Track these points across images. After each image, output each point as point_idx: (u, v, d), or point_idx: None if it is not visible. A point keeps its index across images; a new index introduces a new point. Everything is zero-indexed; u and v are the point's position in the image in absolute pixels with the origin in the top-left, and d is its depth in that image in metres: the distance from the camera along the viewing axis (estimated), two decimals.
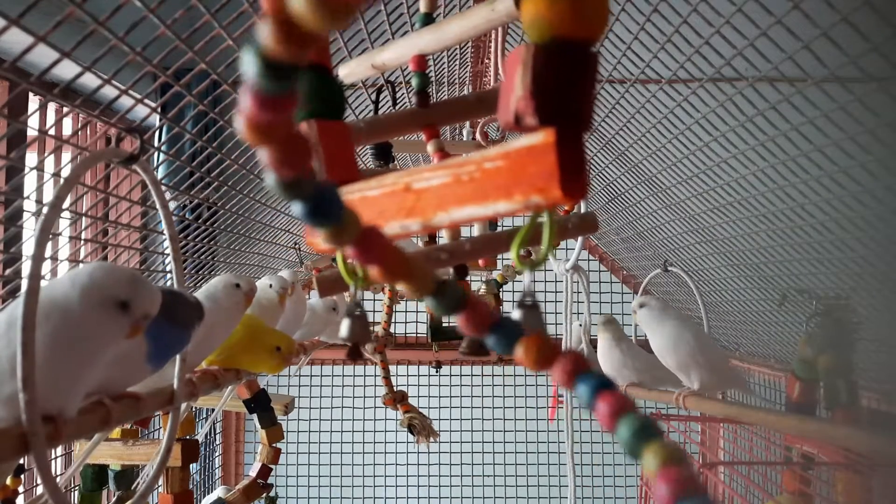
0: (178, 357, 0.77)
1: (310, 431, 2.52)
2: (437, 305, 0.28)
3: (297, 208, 0.25)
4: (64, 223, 1.04)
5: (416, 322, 2.40)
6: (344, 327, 0.34)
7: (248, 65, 0.22)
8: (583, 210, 0.89)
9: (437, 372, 2.29)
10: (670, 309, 1.30)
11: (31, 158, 1.01)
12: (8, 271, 0.97)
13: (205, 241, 1.38)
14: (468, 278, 0.58)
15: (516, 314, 0.31)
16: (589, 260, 2.53)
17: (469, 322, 0.28)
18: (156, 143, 1.21)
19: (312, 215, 0.25)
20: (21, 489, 1.05)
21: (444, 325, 1.79)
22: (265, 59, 0.21)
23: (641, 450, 0.24)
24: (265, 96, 0.22)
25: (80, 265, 1.17)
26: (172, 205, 1.28)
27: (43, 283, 0.54)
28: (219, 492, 1.65)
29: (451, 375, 2.52)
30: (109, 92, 0.85)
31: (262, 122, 0.23)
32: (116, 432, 1.15)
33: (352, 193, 0.34)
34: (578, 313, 1.65)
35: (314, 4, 0.20)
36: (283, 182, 0.24)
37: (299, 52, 0.21)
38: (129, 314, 0.61)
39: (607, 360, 1.49)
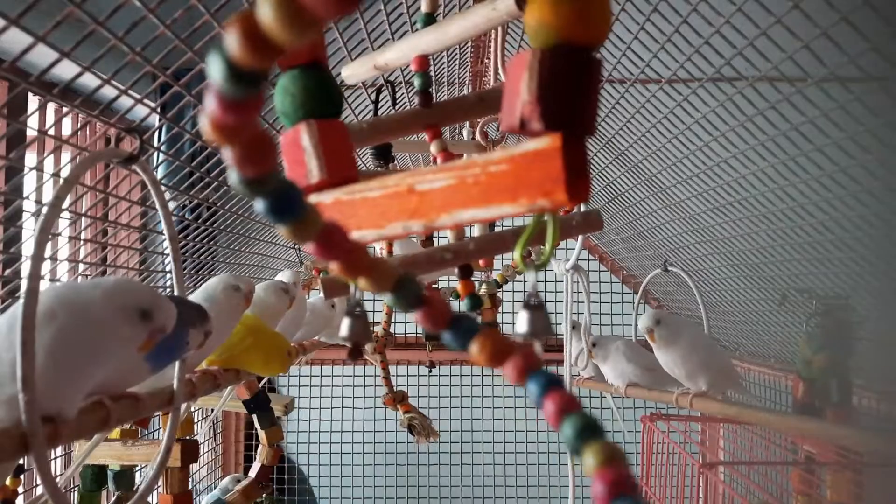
0: None
1: (310, 431, 2.52)
2: (397, 301, 0.29)
3: (259, 205, 0.26)
4: (63, 223, 1.04)
5: (416, 322, 2.40)
6: (344, 327, 0.34)
7: (214, 69, 0.22)
8: (583, 210, 0.89)
9: (429, 372, 2.29)
10: (680, 322, 1.30)
11: (30, 158, 1.00)
12: (7, 271, 0.97)
13: (204, 241, 1.38)
14: (471, 278, 0.58)
15: (522, 315, 0.31)
16: (589, 260, 2.53)
17: (427, 318, 0.29)
18: (155, 143, 1.21)
19: (274, 212, 0.26)
20: (21, 489, 1.05)
21: None
22: (230, 65, 0.22)
23: (582, 449, 0.25)
24: (229, 100, 0.22)
25: (81, 266, 1.17)
26: (172, 205, 1.27)
27: (43, 283, 0.54)
28: (225, 483, 1.65)
29: (450, 375, 2.52)
30: (109, 92, 0.85)
31: (226, 124, 0.23)
32: (116, 432, 1.15)
33: (353, 194, 0.34)
34: (579, 313, 1.64)
35: (282, 17, 0.20)
36: (245, 180, 0.25)
37: (265, 61, 0.22)
38: (149, 324, 0.62)
39: (609, 363, 1.49)
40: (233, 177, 0.25)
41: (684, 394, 1.27)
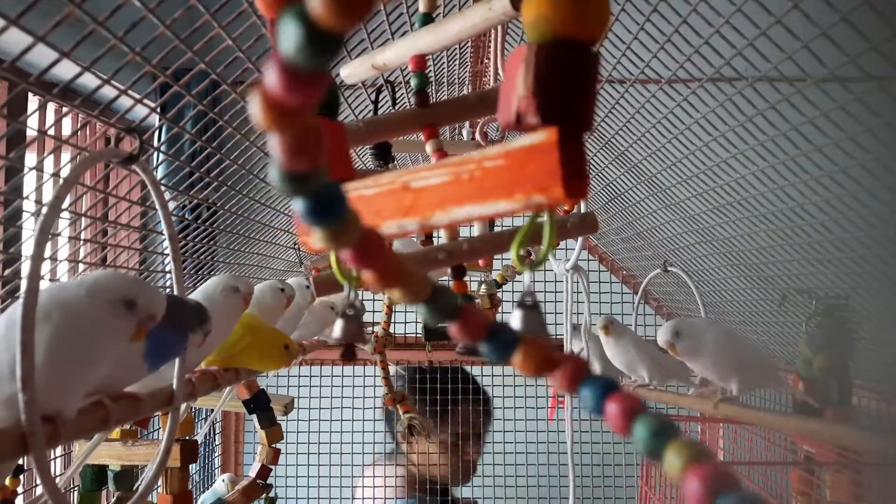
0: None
1: (309, 432, 2.52)
2: (431, 313, 0.27)
3: (298, 205, 0.24)
4: (63, 223, 1.04)
5: (416, 322, 2.40)
6: (337, 328, 0.34)
7: (290, 32, 0.19)
8: (582, 210, 0.89)
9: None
10: (701, 327, 1.24)
11: (30, 158, 1.00)
12: (7, 271, 0.97)
13: (204, 241, 1.38)
14: (467, 278, 0.58)
15: (516, 314, 0.30)
16: (589, 260, 2.52)
17: (464, 330, 0.27)
18: (155, 143, 1.21)
19: (315, 214, 0.24)
20: (20, 489, 1.05)
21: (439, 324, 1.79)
22: (312, 25, 0.19)
23: (663, 450, 0.23)
24: (301, 72, 0.20)
25: (80, 266, 1.17)
26: (172, 205, 1.27)
27: (43, 283, 0.54)
28: (224, 478, 1.65)
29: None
30: (109, 92, 0.85)
31: (288, 104, 0.21)
32: (116, 433, 1.15)
33: (348, 192, 0.34)
34: (578, 313, 1.64)
35: None
36: (290, 175, 0.23)
37: (355, 17, 0.19)
38: (135, 313, 0.62)
39: (621, 358, 1.46)
40: (274, 172, 0.23)
41: (707, 397, 1.21)
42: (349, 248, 0.25)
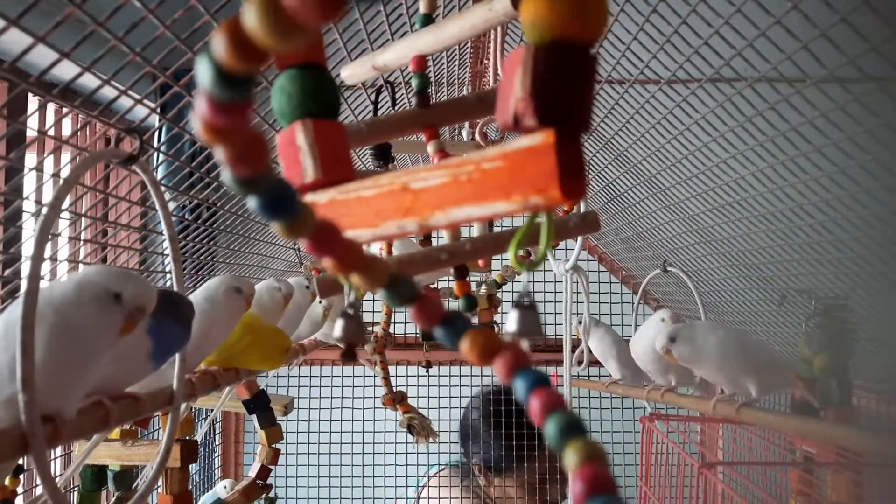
0: (177, 358, 0.77)
1: (310, 432, 2.52)
2: (390, 298, 0.29)
3: (252, 203, 0.26)
4: (63, 224, 1.04)
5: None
6: (338, 328, 0.34)
7: (202, 73, 0.22)
8: (582, 210, 0.89)
9: (427, 372, 2.28)
10: (701, 330, 1.23)
11: (30, 159, 1.01)
12: (7, 272, 0.97)
13: (204, 241, 1.38)
14: (467, 279, 0.58)
15: (513, 314, 0.31)
16: (588, 260, 2.52)
17: (420, 315, 0.29)
18: (155, 144, 1.21)
19: (268, 210, 0.26)
20: (20, 489, 1.05)
21: None
22: (219, 69, 0.22)
23: (564, 446, 0.25)
24: (219, 103, 0.23)
25: (81, 266, 1.18)
26: (172, 205, 1.27)
27: (42, 283, 0.54)
28: (223, 485, 1.65)
29: (450, 375, 2.52)
30: (109, 92, 0.85)
31: (217, 126, 0.24)
32: (116, 433, 1.15)
33: (347, 193, 0.34)
34: (578, 313, 1.65)
35: (267, 23, 0.21)
36: (239, 179, 0.25)
37: (252, 65, 0.22)
38: (123, 306, 0.61)
39: (655, 364, 1.42)
40: (226, 176, 0.26)
41: (725, 401, 1.20)
42: (305, 238, 0.28)
